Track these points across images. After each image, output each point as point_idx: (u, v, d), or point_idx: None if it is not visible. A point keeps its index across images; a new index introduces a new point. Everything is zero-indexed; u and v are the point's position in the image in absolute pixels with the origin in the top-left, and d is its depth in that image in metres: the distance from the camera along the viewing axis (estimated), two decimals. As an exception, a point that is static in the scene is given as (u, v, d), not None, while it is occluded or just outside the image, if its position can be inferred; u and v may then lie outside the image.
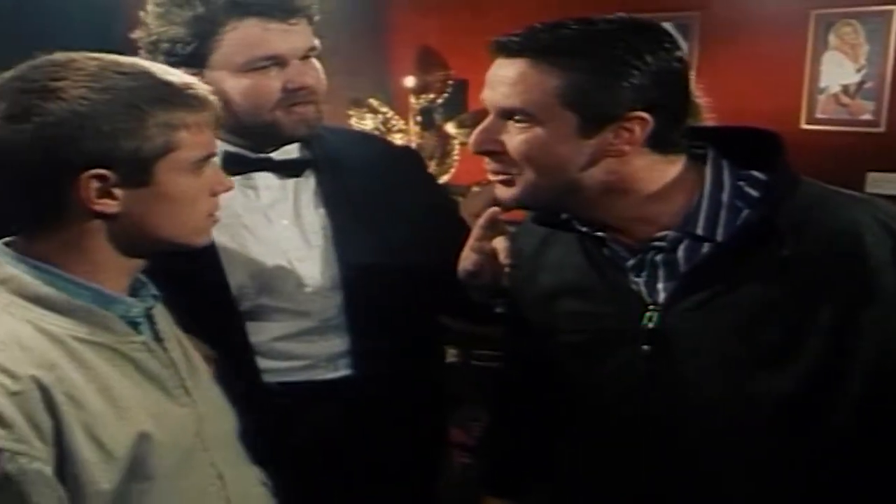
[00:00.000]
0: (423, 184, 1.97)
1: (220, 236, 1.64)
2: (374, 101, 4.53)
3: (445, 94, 4.66)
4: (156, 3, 1.65)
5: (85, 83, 1.14)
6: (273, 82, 1.65)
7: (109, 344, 1.20)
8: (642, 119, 1.25)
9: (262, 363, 1.70)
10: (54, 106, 1.12)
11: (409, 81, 4.64)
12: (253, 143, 1.73)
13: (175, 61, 1.59)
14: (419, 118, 4.62)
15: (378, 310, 1.71)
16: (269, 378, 1.70)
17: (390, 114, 4.55)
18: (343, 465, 1.72)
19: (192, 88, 1.22)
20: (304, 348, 1.72)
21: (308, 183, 1.78)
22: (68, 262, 1.20)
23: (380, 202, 1.76)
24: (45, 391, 1.09)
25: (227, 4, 1.60)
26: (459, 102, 4.68)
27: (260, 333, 1.69)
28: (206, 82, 1.59)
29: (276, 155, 1.76)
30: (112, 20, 3.38)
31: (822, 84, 4.20)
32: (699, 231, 1.29)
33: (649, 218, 1.32)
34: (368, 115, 4.51)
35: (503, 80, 1.28)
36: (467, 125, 4.30)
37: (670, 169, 1.31)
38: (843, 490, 1.27)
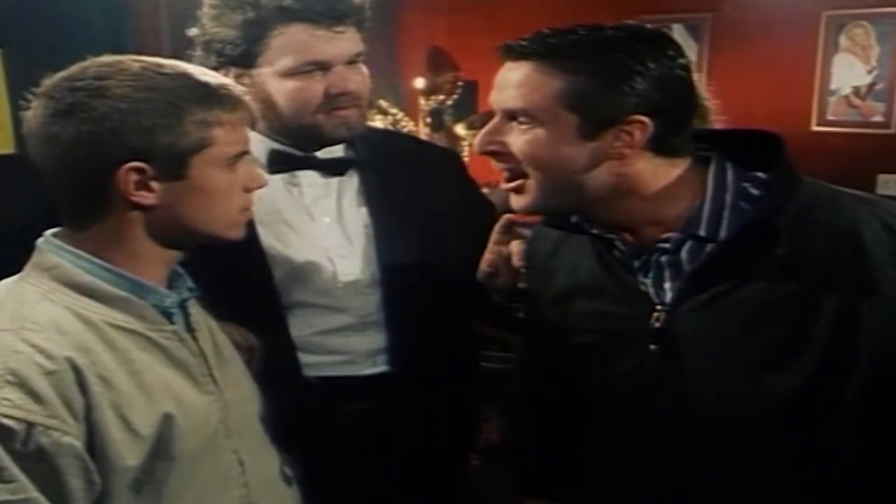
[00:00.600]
0: (462, 186, 1.99)
1: (264, 232, 1.71)
2: (383, 103, 4.54)
3: (455, 96, 4.67)
4: (211, 4, 1.71)
5: (129, 82, 1.22)
6: (316, 86, 1.68)
7: (142, 331, 1.27)
8: (642, 123, 1.27)
9: (302, 357, 1.74)
10: (98, 103, 1.20)
11: (419, 83, 4.65)
12: (297, 142, 1.77)
13: (225, 61, 1.69)
14: (428, 119, 4.63)
15: (415, 308, 1.75)
16: (308, 372, 1.74)
17: (400, 115, 4.55)
18: (373, 461, 1.75)
19: (227, 89, 1.29)
20: (342, 344, 1.76)
21: (351, 182, 1.82)
22: (109, 253, 1.27)
23: (420, 203, 1.79)
24: (78, 372, 1.17)
25: (275, 10, 1.65)
26: (469, 104, 4.69)
27: (300, 328, 1.73)
28: (253, 83, 1.68)
29: (321, 154, 1.79)
30: (121, 25, 3.41)
31: (833, 86, 4.20)
32: (702, 232, 1.31)
33: (654, 219, 1.34)
34: (378, 116, 4.51)
35: (509, 82, 1.31)
36: (476, 127, 4.30)
37: (673, 171, 1.33)
38: (851, 483, 1.29)
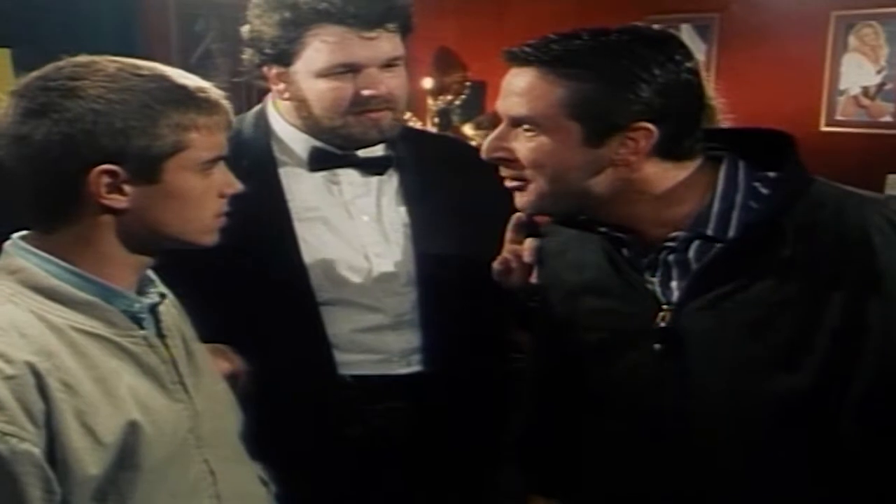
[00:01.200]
0: (497, 188, 2.00)
1: (301, 228, 1.73)
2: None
3: (463, 96, 4.67)
4: (255, 3, 1.73)
5: (103, 83, 1.18)
6: (346, 88, 1.70)
7: (109, 336, 1.23)
8: (647, 130, 1.26)
9: (337, 356, 1.74)
10: (71, 103, 1.17)
11: (427, 83, 4.66)
12: (331, 141, 1.78)
13: (266, 59, 1.73)
14: (436, 120, 4.63)
15: (451, 308, 1.75)
16: (343, 371, 1.74)
17: (408, 115, 4.55)
18: (403, 461, 1.76)
19: (205, 92, 1.25)
20: (377, 342, 1.76)
21: (391, 181, 1.83)
22: (77, 257, 1.24)
23: (459, 204, 1.80)
24: (38, 377, 1.13)
25: (311, 11, 1.66)
26: (477, 104, 4.69)
27: (336, 325, 1.74)
28: (290, 81, 1.72)
29: (362, 152, 1.80)
30: (130, 25, 3.43)
31: (842, 86, 4.19)
32: (709, 231, 1.30)
33: (662, 219, 1.34)
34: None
35: (514, 89, 1.31)
36: (484, 127, 4.31)
37: (681, 173, 1.32)
38: (856, 483, 1.28)
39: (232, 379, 1.53)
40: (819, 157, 1.36)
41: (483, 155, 1.37)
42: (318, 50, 1.68)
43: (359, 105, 1.70)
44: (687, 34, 4.38)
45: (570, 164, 1.29)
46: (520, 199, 1.38)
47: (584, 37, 1.29)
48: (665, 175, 1.31)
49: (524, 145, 1.31)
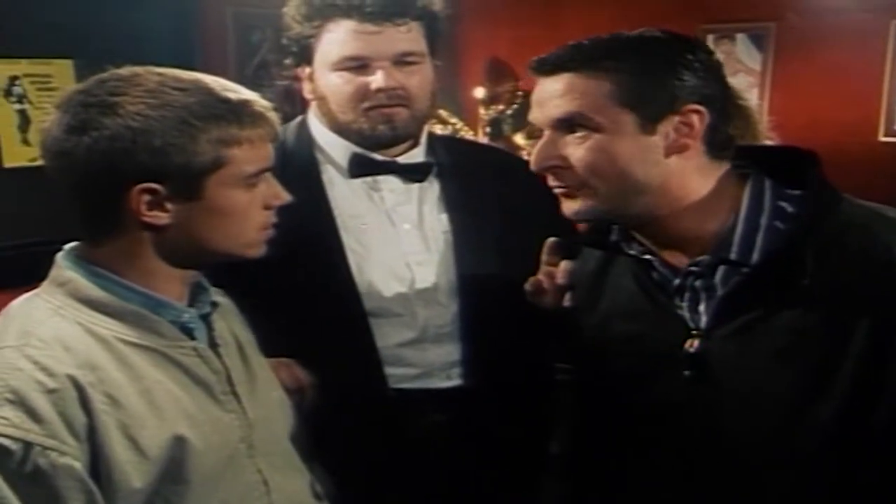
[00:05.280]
0: (541, 197, 1.99)
1: (346, 238, 1.72)
2: (443, 112, 4.56)
3: (514, 106, 4.67)
4: (288, 5, 1.76)
5: (143, 99, 1.17)
6: (356, 81, 1.70)
7: (157, 348, 1.23)
8: (699, 112, 1.26)
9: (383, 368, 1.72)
10: (110, 121, 1.16)
11: (479, 92, 4.67)
12: (350, 139, 1.77)
13: (296, 59, 1.76)
14: (488, 129, 4.64)
15: (492, 320, 1.73)
16: (389, 384, 1.73)
17: (459, 124, 4.57)
18: (445, 475, 1.73)
19: (249, 104, 1.23)
20: (418, 356, 1.74)
21: (432, 188, 1.83)
22: (123, 269, 1.24)
23: (501, 212, 1.79)
24: (81, 390, 1.13)
25: (324, 6, 1.69)
26: (528, 113, 4.68)
27: (379, 338, 1.72)
28: (313, 79, 1.74)
29: (402, 159, 1.80)
30: (189, 36, 3.49)
31: (901, 95, 4.11)
32: (733, 256, 1.28)
33: (693, 235, 1.31)
34: (438, 126, 4.54)
35: (551, 94, 1.30)
36: (536, 136, 4.29)
37: (716, 174, 1.31)
38: None
39: (298, 393, 1.52)
40: (877, 167, 1.34)
41: (533, 167, 1.35)
42: (330, 43, 1.70)
43: (369, 100, 1.70)
44: (742, 43, 4.33)
45: (629, 155, 1.27)
46: (568, 206, 1.35)
47: (607, 38, 1.30)
48: (704, 173, 1.30)
49: (577, 150, 1.29)
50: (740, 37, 4.32)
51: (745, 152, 1.37)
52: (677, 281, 1.34)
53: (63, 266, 1.25)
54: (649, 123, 1.26)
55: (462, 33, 5.01)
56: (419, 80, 1.74)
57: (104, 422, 1.14)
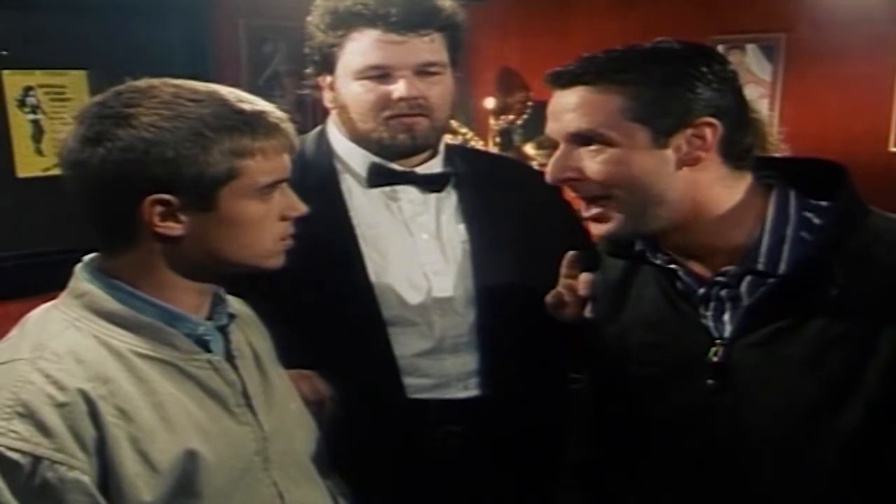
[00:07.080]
0: (560, 209, 1.98)
1: (366, 247, 1.73)
2: (453, 122, 4.56)
3: (525, 116, 4.67)
4: (311, 14, 1.78)
5: (156, 110, 1.18)
6: (378, 90, 1.71)
7: (171, 360, 1.23)
8: (711, 125, 1.27)
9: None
10: (124, 132, 1.17)
11: (489, 103, 4.67)
12: (371, 149, 1.78)
13: (317, 67, 1.77)
14: (498, 139, 4.64)
15: (509, 330, 1.74)
16: (406, 394, 1.73)
17: (469, 134, 4.58)
18: (461, 486, 1.73)
19: (263, 116, 1.23)
20: (434, 366, 1.74)
21: (450, 199, 1.83)
22: (138, 281, 1.24)
23: (519, 223, 1.79)
24: (91, 404, 1.13)
25: (348, 14, 1.70)
26: (538, 124, 4.64)
27: (395, 347, 1.72)
28: (335, 88, 1.75)
29: (420, 169, 1.81)
30: (202, 48, 3.51)
31: (913, 106, 4.10)
32: (760, 266, 1.29)
33: (718, 246, 1.32)
34: (448, 136, 4.54)
35: (565, 107, 1.31)
36: (546, 147, 4.30)
37: (740, 185, 1.32)
38: None
39: (318, 405, 1.52)
40: (888, 178, 1.34)
41: (549, 178, 1.36)
42: (352, 52, 1.71)
43: (390, 109, 1.71)
44: (753, 54, 4.34)
45: (643, 168, 1.28)
46: (597, 228, 1.36)
47: (622, 50, 1.30)
48: (727, 183, 1.31)
49: (593, 162, 1.30)
50: (751, 47, 4.33)
51: (769, 163, 1.37)
52: (702, 290, 1.34)
53: (81, 278, 1.25)
54: (662, 137, 1.27)
55: (473, 43, 5.03)
56: (440, 90, 1.75)
57: (114, 435, 1.14)
